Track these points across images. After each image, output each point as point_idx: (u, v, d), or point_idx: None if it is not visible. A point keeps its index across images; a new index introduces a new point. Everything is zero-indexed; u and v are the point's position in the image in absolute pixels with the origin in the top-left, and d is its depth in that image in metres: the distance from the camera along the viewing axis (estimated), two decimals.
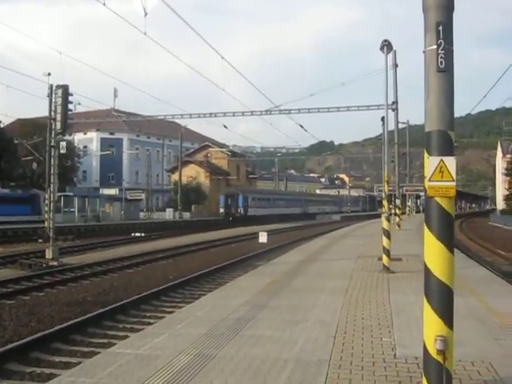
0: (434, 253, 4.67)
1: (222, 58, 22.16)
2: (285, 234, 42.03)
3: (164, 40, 20.89)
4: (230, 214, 68.02)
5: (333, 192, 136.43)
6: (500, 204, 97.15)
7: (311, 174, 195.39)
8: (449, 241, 4.66)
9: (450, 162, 4.68)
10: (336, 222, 72.23)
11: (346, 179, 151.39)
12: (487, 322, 7.80)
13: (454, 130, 4.74)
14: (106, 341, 9.78)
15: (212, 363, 5.94)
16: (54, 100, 23.48)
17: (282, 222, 61.89)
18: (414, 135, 77.78)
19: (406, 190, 53.81)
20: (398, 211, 36.41)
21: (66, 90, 21.82)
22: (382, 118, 29.66)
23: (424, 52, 4.81)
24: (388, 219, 14.87)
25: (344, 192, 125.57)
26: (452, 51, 4.73)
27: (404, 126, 49.41)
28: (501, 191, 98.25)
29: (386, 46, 15.01)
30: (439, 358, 4.56)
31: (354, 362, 5.94)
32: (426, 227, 4.73)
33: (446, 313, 4.65)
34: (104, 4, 14.00)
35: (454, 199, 4.78)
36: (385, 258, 13.93)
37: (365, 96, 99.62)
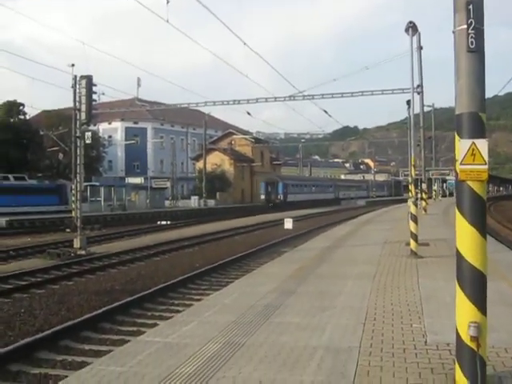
0: (466, 238, 4.59)
1: (245, 44, 22.08)
2: (310, 220, 41.90)
3: (186, 28, 20.87)
4: (270, 200, 71.30)
5: (358, 177, 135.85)
6: None
7: (335, 160, 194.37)
8: (481, 225, 4.57)
9: (482, 145, 4.57)
10: (361, 206, 71.84)
11: (371, 164, 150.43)
12: None
13: (485, 112, 4.63)
14: (135, 329, 9.86)
15: (241, 351, 5.92)
16: (78, 91, 23.60)
17: (316, 207, 62.52)
18: (439, 118, 76.90)
19: (432, 174, 53.25)
20: (424, 196, 36.00)
21: (89, 81, 21.92)
22: (408, 102, 29.32)
23: (453, 32, 4.69)
24: (415, 204, 14.70)
25: (369, 177, 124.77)
26: (483, 31, 4.61)
27: (429, 109, 48.80)
28: None
29: (411, 27, 14.77)
30: (472, 345, 4.49)
31: (385, 348, 5.88)
32: (457, 211, 4.65)
33: (479, 299, 4.58)
34: None
35: (485, 183, 4.68)
36: (412, 243, 13.78)
37: (388, 80, 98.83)
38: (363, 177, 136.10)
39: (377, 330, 6.65)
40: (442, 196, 76.21)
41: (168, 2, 13.34)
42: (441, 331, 6.50)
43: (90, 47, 79.36)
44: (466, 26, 4.54)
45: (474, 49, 4.54)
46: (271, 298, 8.85)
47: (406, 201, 58.95)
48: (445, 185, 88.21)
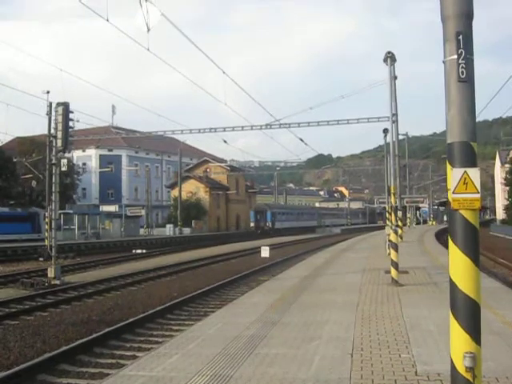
0: (459, 267, 4.56)
1: (224, 72, 22.17)
2: (288, 248, 41.84)
3: (166, 56, 20.92)
4: (259, 227, 77.21)
5: (332, 205, 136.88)
6: (500, 214, 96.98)
7: (310, 188, 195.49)
8: (474, 254, 4.55)
9: (474, 174, 4.58)
10: (336, 234, 72.09)
11: (345, 192, 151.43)
12: (506, 336, 7.65)
13: (476, 141, 4.65)
14: (113, 361, 9.61)
15: None
16: (54, 117, 23.38)
17: (301, 234, 65.82)
18: (412, 147, 78.05)
19: (407, 202, 53.65)
20: (400, 223, 36.22)
21: (66, 108, 21.75)
22: (384, 130, 29.80)
23: (444, 62, 4.72)
24: (396, 232, 14.74)
25: (343, 205, 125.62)
26: (472, 61, 4.65)
27: (403, 137, 49.49)
28: (500, 201, 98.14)
29: (390, 57, 14.99)
30: (468, 376, 4.43)
31: (376, 380, 5.78)
32: (450, 241, 4.63)
33: (473, 328, 4.55)
34: (107, 20, 13.98)
35: (478, 211, 4.68)
36: (393, 271, 13.77)
37: (361, 108, 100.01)
38: (338, 205, 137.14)
39: (365, 361, 6.56)
40: (416, 223, 76.91)
41: (149, 31, 13.37)
42: (430, 361, 6.44)
43: (67, 73, 78.39)
44: (456, 56, 4.57)
45: (465, 79, 4.57)
46: (255, 328, 8.72)
47: (380, 228, 59.10)
48: (418, 212, 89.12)
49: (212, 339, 8.07)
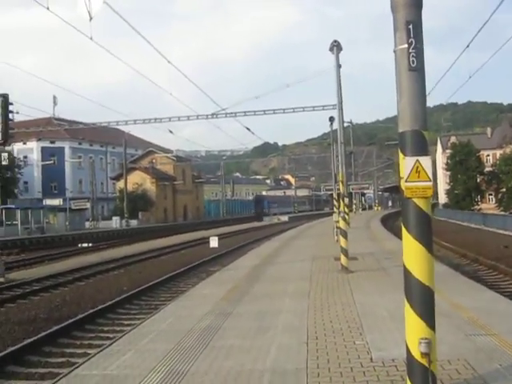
0: (412, 254, 4.61)
1: (168, 61, 21.84)
2: (235, 238, 41.86)
3: (110, 45, 20.38)
4: (258, 212, 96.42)
5: (279, 193, 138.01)
6: (442, 198, 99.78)
7: (257, 176, 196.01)
8: (428, 241, 4.61)
9: (426, 162, 4.63)
10: (284, 222, 72.65)
11: (292, 180, 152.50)
12: (455, 319, 7.85)
13: (427, 129, 4.70)
14: (64, 360, 9.37)
15: (186, 380, 5.71)
16: None
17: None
18: (356, 133, 79.24)
19: (353, 189, 54.52)
20: (346, 210, 36.74)
21: (6, 99, 20.93)
22: (330, 118, 30.07)
23: (394, 51, 4.73)
24: (344, 219, 14.90)
25: (290, 192, 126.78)
26: (422, 50, 4.68)
27: (347, 125, 50.21)
28: (442, 186, 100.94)
29: (336, 46, 15.07)
30: (424, 361, 4.50)
31: (332, 368, 5.83)
32: (403, 228, 4.67)
33: (428, 315, 4.60)
34: (48, 8, 13.51)
35: (430, 199, 4.74)
36: (343, 258, 13.93)
37: (307, 96, 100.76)
38: (284, 193, 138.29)
39: (321, 350, 6.60)
40: (362, 209, 78.29)
41: (91, 19, 13.00)
42: (384, 347, 6.54)
43: (5, 64, 75.97)
44: (406, 46, 4.59)
45: (416, 67, 4.59)
46: (209, 320, 8.66)
47: (327, 215, 59.83)
48: (363, 198, 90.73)
49: (165, 334, 7.97)
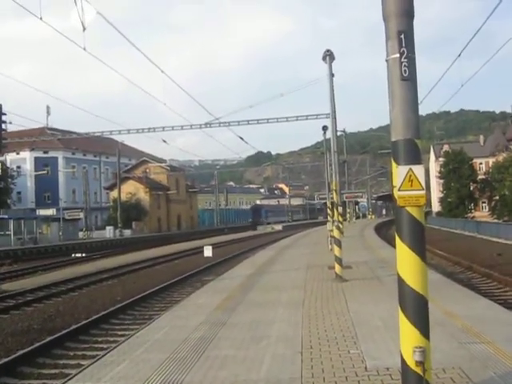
0: (406, 263, 4.61)
1: (162, 71, 21.86)
2: (230, 247, 41.79)
3: (104, 56, 20.45)
4: (255, 221, 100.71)
5: (273, 202, 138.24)
6: (435, 206, 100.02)
7: (251, 185, 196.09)
8: (421, 250, 4.62)
9: (419, 171, 4.64)
10: (278, 231, 72.62)
11: (286, 189, 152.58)
12: (449, 327, 7.86)
13: (420, 138, 4.72)
14: (57, 371, 9.32)
15: None
16: None
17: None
18: (349, 142, 79.54)
19: (346, 197, 54.56)
20: (340, 218, 36.77)
21: None
22: (324, 127, 30.15)
23: (387, 61, 4.76)
24: (338, 227, 14.91)
25: (284, 201, 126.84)
26: (414, 59, 4.70)
27: (340, 134, 50.36)
28: (435, 194, 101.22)
29: (329, 55, 15.14)
30: (418, 370, 4.49)
31: (327, 377, 5.81)
32: (397, 237, 4.68)
33: (422, 323, 4.60)
34: (41, 18, 13.52)
35: (423, 208, 4.75)
36: (337, 267, 13.93)
37: (301, 106, 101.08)
38: (278, 201, 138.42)
39: (315, 359, 6.59)
40: (356, 218, 78.38)
41: (84, 30, 13.02)
42: (378, 356, 6.53)
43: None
44: (398, 55, 4.62)
45: (408, 77, 4.62)
46: (203, 330, 8.64)
47: (321, 224, 59.87)
48: (357, 207, 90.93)
49: (160, 344, 7.93)
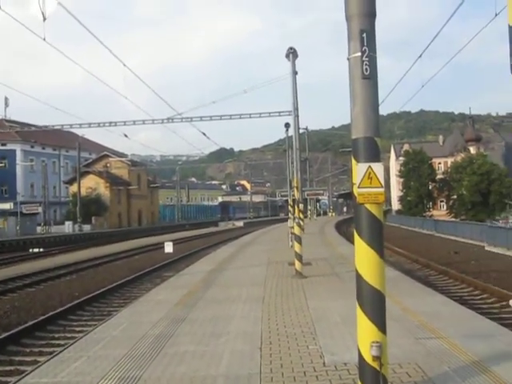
0: (364, 259, 4.68)
1: (124, 65, 21.61)
2: (191, 243, 41.65)
3: (64, 48, 20.05)
4: (224, 217, 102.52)
5: (235, 198, 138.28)
6: (395, 205, 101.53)
7: (212, 182, 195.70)
8: (379, 247, 4.69)
9: (378, 168, 4.71)
10: (240, 227, 72.67)
11: (247, 185, 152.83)
12: (406, 322, 7.99)
13: (380, 136, 4.78)
14: (12, 368, 9.14)
15: None
16: None
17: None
18: (311, 140, 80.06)
19: (308, 195, 54.90)
20: (301, 215, 37.01)
21: None
22: (286, 124, 30.26)
23: (348, 59, 4.81)
24: (299, 225, 15.00)
25: (246, 198, 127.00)
26: (375, 58, 4.76)
27: (303, 131, 50.64)
28: (395, 192, 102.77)
29: (292, 53, 15.20)
30: (375, 365, 4.57)
31: (285, 373, 5.85)
32: (355, 234, 4.73)
33: (379, 318, 4.67)
34: None
35: (382, 205, 4.82)
36: (297, 264, 14.01)
37: (264, 103, 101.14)
38: (240, 198, 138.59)
39: (274, 355, 6.62)
40: (317, 215, 78.97)
41: (45, 20, 12.76)
42: (336, 351, 6.60)
43: None
44: (360, 54, 4.67)
45: (369, 76, 4.68)
46: (162, 326, 8.58)
47: (282, 221, 60.03)
48: (318, 204, 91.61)
49: (118, 340, 7.85)
